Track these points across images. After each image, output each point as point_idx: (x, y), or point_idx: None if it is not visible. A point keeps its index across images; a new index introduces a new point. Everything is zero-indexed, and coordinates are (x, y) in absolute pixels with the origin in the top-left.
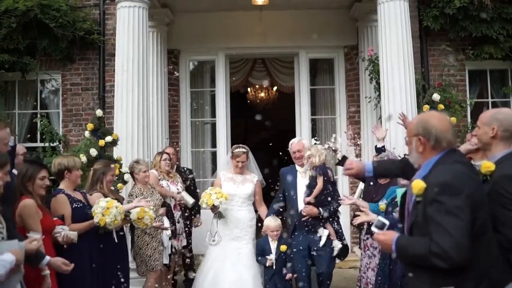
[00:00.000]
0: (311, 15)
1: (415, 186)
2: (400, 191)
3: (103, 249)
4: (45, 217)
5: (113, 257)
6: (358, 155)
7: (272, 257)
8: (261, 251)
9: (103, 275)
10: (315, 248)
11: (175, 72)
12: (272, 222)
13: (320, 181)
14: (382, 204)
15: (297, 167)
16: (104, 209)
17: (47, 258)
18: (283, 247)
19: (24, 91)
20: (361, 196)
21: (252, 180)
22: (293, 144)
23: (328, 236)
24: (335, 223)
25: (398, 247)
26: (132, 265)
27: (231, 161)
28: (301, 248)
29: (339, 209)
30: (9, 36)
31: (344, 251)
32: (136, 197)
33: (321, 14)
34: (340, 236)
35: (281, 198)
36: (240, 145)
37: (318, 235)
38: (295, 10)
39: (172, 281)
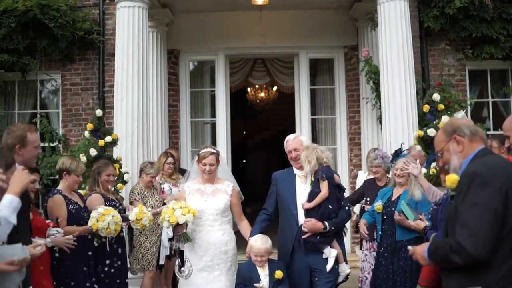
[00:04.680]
0: (311, 15)
1: (449, 179)
2: (403, 203)
3: (100, 250)
4: (35, 218)
5: (111, 258)
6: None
7: (262, 284)
8: (244, 279)
9: (101, 277)
10: (317, 272)
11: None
12: (257, 243)
13: (324, 187)
14: (379, 205)
15: (295, 170)
16: (100, 215)
17: None
18: (279, 273)
19: (24, 91)
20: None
21: (225, 190)
22: (289, 142)
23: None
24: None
25: (430, 255)
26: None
27: (198, 166)
28: (299, 271)
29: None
30: (9, 36)
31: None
32: (138, 193)
33: (321, 14)
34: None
35: (269, 211)
36: (209, 145)
37: (324, 256)
38: (295, 10)
39: (172, 281)
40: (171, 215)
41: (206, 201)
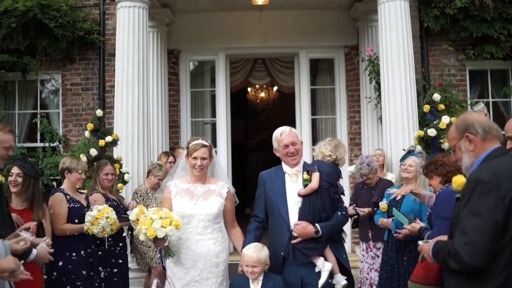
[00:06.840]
0: (311, 15)
1: (455, 181)
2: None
3: (99, 249)
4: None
5: (111, 257)
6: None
7: None
8: None
9: (101, 276)
10: (309, 285)
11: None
12: (249, 251)
13: (314, 178)
14: (383, 204)
15: (285, 168)
16: (94, 219)
17: (34, 252)
18: None
19: (24, 91)
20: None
21: (219, 192)
22: (283, 135)
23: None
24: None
25: (434, 254)
26: (131, 265)
27: (187, 160)
28: (291, 282)
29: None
30: (9, 36)
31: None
32: (141, 195)
33: (321, 14)
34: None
35: (260, 218)
36: (199, 136)
37: (317, 269)
38: (295, 10)
39: None
40: (148, 226)
41: (197, 204)
